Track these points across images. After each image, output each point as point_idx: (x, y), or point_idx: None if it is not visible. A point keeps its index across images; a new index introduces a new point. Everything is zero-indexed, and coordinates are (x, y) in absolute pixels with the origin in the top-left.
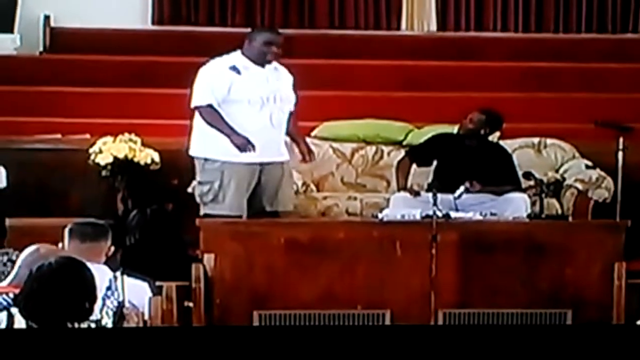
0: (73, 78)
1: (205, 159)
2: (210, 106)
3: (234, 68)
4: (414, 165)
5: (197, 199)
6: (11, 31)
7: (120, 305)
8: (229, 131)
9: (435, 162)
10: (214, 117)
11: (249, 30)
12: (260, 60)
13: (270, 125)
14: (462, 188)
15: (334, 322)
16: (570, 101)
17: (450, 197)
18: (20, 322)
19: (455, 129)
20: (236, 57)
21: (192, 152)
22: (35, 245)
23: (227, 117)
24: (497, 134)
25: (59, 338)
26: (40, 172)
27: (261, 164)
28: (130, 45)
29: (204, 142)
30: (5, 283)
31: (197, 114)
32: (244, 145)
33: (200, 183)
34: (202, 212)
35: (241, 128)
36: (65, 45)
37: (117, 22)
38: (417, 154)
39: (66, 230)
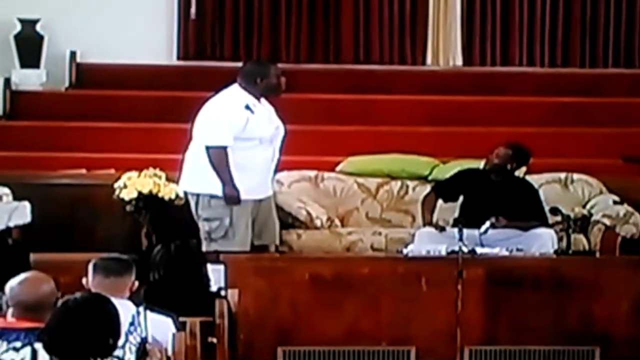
0: (98, 113)
1: (212, 196)
2: (224, 149)
3: (248, 107)
4: (440, 201)
5: (203, 235)
6: (37, 67)
7: (144, 340)
8: (228, 180)
9: (461, 198)
10: (221, 161)
11: (240, 65)
12: (275, 93)
13: (270, 162)
14: (488, 223)
15: (359, 358)
16: (597, 136)
17: (476, 232)
18: (43, 358)
19: (481, 164)
20: (244, 95)
21: (194, 189)
22: (23, 275)
23: (235, 153)
24: (524, 169)
25: None
26: (65, 207)
27: (259, 200)
28: (155, 81)
29: (208, 178)
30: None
31: (195, 148)
32: (233, 199)
33: (207, 220)
34: (207, 249)
35: (247, 166)
36: (91, 81)
37: (142, 57)
38: (443, 190)
39: (90, 265)
